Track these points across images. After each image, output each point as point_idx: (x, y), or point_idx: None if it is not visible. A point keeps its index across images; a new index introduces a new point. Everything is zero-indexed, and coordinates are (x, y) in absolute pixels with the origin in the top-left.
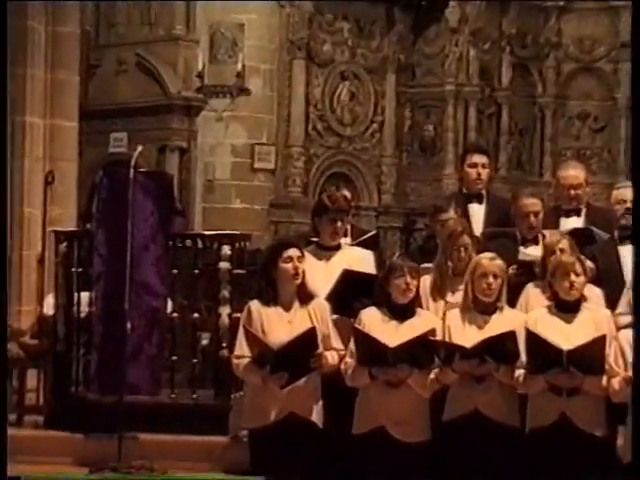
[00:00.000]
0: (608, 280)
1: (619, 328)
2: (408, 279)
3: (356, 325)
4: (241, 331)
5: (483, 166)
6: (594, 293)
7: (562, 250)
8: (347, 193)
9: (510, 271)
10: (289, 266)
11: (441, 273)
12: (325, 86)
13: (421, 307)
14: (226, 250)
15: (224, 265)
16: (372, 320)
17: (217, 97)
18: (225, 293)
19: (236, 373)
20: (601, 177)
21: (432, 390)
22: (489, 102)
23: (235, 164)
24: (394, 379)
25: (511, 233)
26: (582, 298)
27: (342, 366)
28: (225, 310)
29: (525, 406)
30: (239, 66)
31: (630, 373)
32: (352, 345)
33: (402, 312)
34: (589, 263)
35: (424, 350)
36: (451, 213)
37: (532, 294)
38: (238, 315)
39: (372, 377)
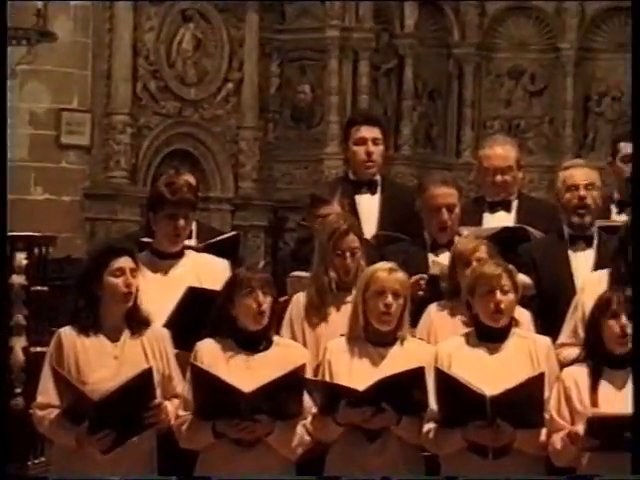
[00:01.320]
0: (552, 296)
1: (563, 364)
2: (260, 297)
3: (193, 362)
4: (46, 371)
5: (375, 142)
6: (524, 317)
7: (480, 260)
8: (191, 179)
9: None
10: (119, 281)
11: (319, 287)
12: (160, 30)
13: (278, 334)
14: (21, 259)
15: (18, 279)
16: (212, 355)
17: (9, 44)
18: (20, 318)
19: (39, 430)
20: (540, 157)
21: (303, 450)
22: (387, 54)
23: (34, 138)
24: (248, 437)
25: (417, 235)
26: (512, 323)
27: (174, 422)
28: (19, 342)
29: (437, 472)
30: (39, 2)
31: (580, 428)
32: (187, 391)
33: (254, 343)
34: (522, 277)
35: (291, 395)
36: (334, 206)
37: (436, 319)
38: (39, 349)
39: (217, 435)
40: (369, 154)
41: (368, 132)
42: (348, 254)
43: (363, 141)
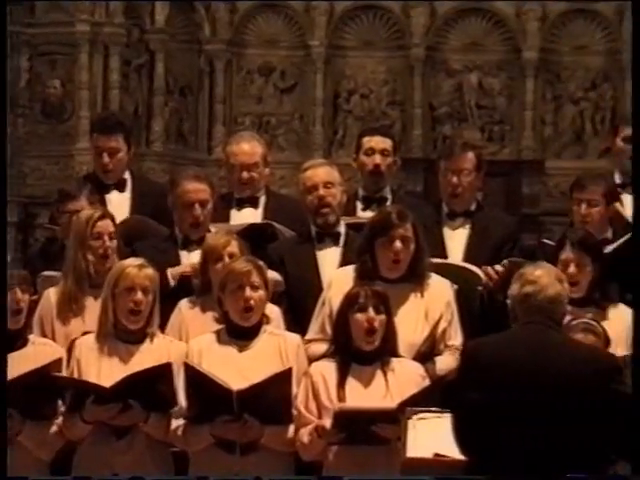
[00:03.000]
0: (299, 294)
1: (312, 360)
2: (18, 294)
3: None
4: None
5: (111, 151)
6: (274, 313)
7: (232, 255)
8: None
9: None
10: None
11: (78, 275)
12: None
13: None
14: None
15: None
16: None
17: None
18: None
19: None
20: (291, 154)
21: (55, 449)
22: (138, 49)
23: None
24: None
25: (166, 231)
26: (263, 319)
27: None
28: None
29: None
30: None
31: (327, 422)
32: None
33: (12, 341)
34: (272, 273)
35: (44, 394)
36: (82, 202)
37: (187, 315)
38: None
39: None
40: (111, 151)
41: (103, 141)
42: (106, 237)
43: (99, 136)
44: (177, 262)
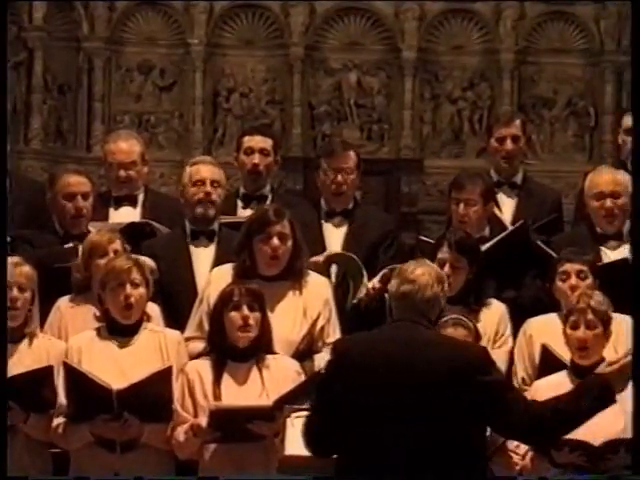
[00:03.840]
0: (173, 292)
1: (191, 358)
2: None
3: None
4: None
5: None
6: (154, 311)
7: (116, 252)
8: None
9: None
10: None
11: None
12: None
13: None
14: None
15: None
16: None
17: None
18: None
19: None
20: (170, 152)
21: None
22: (16, 47)
23: None
24: None
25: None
26: (143, 317)
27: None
28: None
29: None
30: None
31: (202, 420)
32: None
33: None
34: (146, 260)
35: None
36: None
37: (67, 313)
38: None
39: None
40: None
41: None
42: None
43: None
44: (63, 258)
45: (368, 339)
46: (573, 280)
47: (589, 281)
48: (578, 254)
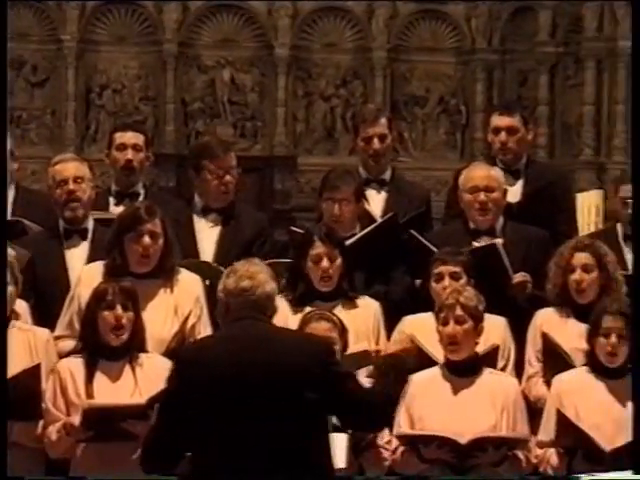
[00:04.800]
0: (47, 290)
1: (61, 356)
2: None
3: None
4: None
5: None
6: (22, 308)
7: None
8: None
9: None
10: None
11: None
12: None
13: None
14: None
15: None
16: None
17: None
18: None
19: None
20: (42, 149)
21: None
22: None
23: None
24: None
25: None
26: (12, 315)
27: None
28: None
29: None
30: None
31: (75, 419)
32: None
33: None
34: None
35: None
36: None
37: None
38: None
39: None
40: None
41: None
42: None
43: None
44: None
45: (213, 342)
46: (446, 282)
47: (462, 282)
48: (452, 255)
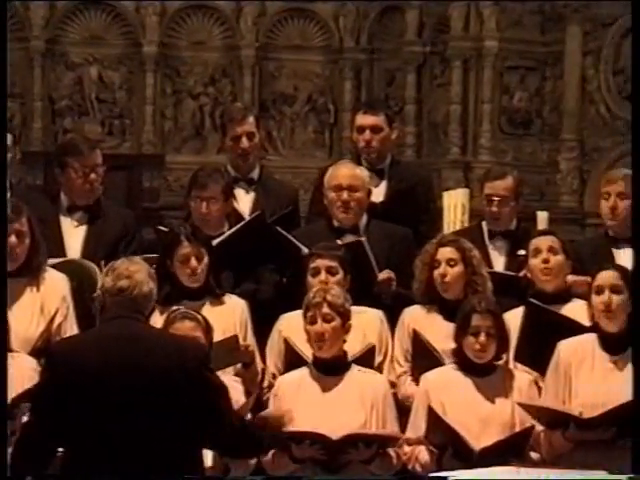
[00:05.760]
0: None
1: None
2: None
3: None
4: None
5: None
6: None
7: None
8: None
9: None
10: None
11: None
12: None
13: None
14: None
15: None
16: None
17: None
18: None
19: None
20: None
21: None
22: None
23: None
24: None
25: None
26: None
27: None
28: None
29: None
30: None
31: None
32: None
33: None
34: None
35: None
36: None
37: None
38: None
39: None
40: None
41: None
42: None
43: None
44: None
45: (85, 339)
46: (323, 276)
47: (339, 276)
48: (329, 249)
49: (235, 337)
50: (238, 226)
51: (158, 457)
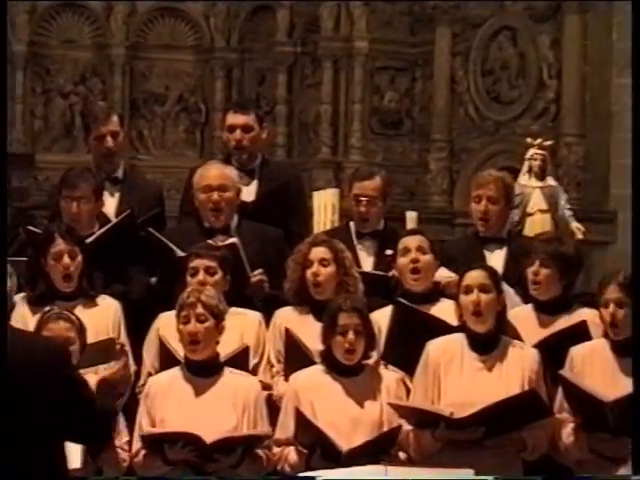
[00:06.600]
0: None
1: None
2: None
3: None
4: None
5: None
6: None
7: None
8: None
9: None
10: None
11: None
12: None
13: None
14: None
15: None
16: None
17: None
18: None
19: None
20: None
21: None
22: None
23: None
24: None
25: None
26: None
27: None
28: None
29: None
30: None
31: None
32: None
33: None
34: None
35: None
36: None
37: None
38: None
39: None
40: None
41: None
42: None
43: None
44: None
45: None
46: (201, 276)
47: (218, 277)
48: (208, 249)
49: (111, 339)
50: (108, 226)
51: (20, 458)
